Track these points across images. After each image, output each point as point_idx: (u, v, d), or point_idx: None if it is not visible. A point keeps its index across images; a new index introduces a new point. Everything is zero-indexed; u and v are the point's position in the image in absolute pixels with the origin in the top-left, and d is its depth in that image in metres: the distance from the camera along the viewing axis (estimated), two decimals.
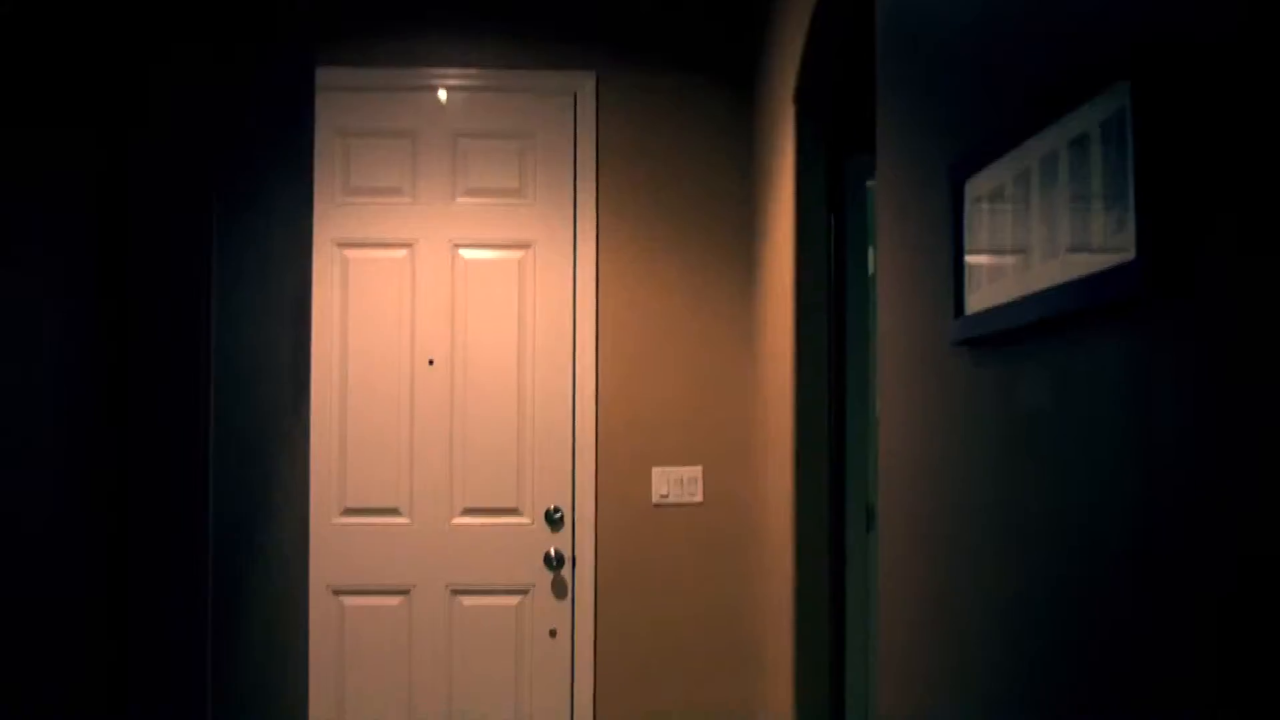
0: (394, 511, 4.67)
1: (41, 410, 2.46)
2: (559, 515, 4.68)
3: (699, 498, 4.71)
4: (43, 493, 2.46)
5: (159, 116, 2.80)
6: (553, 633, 4.68)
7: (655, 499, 4.70)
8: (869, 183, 4.09)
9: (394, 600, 4.68)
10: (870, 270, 4.08)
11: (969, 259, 1.99)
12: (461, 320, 4.70)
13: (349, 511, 4.66)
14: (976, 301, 1.94)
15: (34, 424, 2.42)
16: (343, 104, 4.68)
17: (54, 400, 2.51)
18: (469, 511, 4.69)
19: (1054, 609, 1.68)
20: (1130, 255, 1.40)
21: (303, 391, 3.77)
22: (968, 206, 2.00)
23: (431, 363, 4.68)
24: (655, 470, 4.70)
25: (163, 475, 2.78)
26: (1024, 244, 1.76)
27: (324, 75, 4.68)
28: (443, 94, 4.71)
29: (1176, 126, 1.36)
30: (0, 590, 2.27)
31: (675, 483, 4.70)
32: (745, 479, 4.68)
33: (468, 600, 4.69)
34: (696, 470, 4.70)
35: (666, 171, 4.73)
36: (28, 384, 2.41)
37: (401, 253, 4.71)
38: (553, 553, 4.68)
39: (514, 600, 4.69)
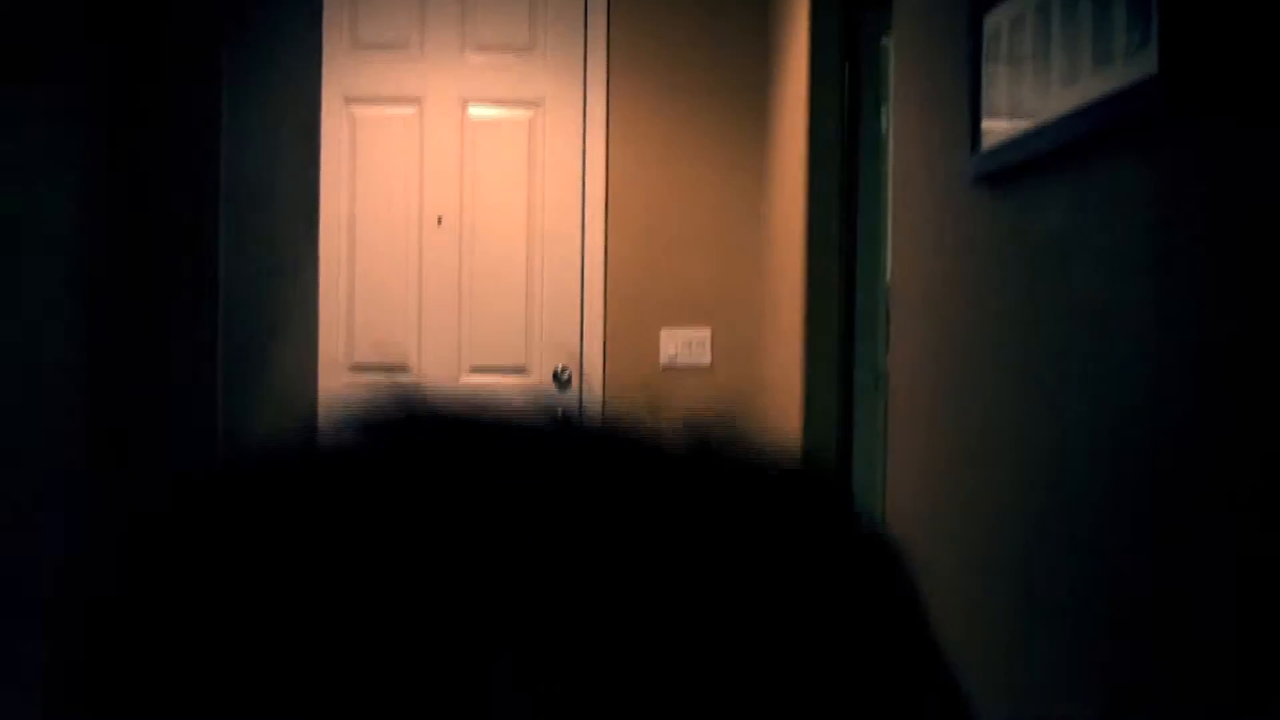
0: (403, 369, 4.68)
1: (53, 246, 2.45)
2: (566, 375, 4.69)
3: (708, 360, 4.71)
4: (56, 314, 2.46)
5: None
6: None
7: (664, 361, 4.70)
8: (884, 39, 4.03)
9: None
10: (883, 129, 4.04)
11: (986, 93, 1.96)
12: (471, 179, 4.67)
13: (357, 369, 4.67)
14: (994, 135, 1.92)
15: (42, 257, 2.42)
16: None
17: (61, 230, 2.50)
18: (477, 369, 4.70)
19: (1068, 446, 1.68)
20: (1152, 70, 1.37)
21: (311, 236, 3.75)
22: (986, 40, 1.96)
23: (440, 221, 4.66)
24: (664, 332, 4.70)
25: (167, 322, 2.77)
26: (1043, 74, 1.73)
27: None
28: None
29: None
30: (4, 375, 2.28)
31: (684, 345, 4.70)
32: (754, 341, 4.68)
33: None
34: (705, 332, 4.70)
35: (679, 26, 4.67)
36: (42, 207, 2.39)
37: (410, 110, 4.66)
38: (559, 413, 4.69)
39: None
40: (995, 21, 1.93)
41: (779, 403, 4.23)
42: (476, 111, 4.67)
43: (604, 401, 4.69)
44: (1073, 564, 1.63)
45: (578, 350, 4.70)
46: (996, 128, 1.91)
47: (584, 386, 4.71)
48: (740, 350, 4.69)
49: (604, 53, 4.65)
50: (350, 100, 4.64)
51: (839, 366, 3.90)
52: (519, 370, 4.70)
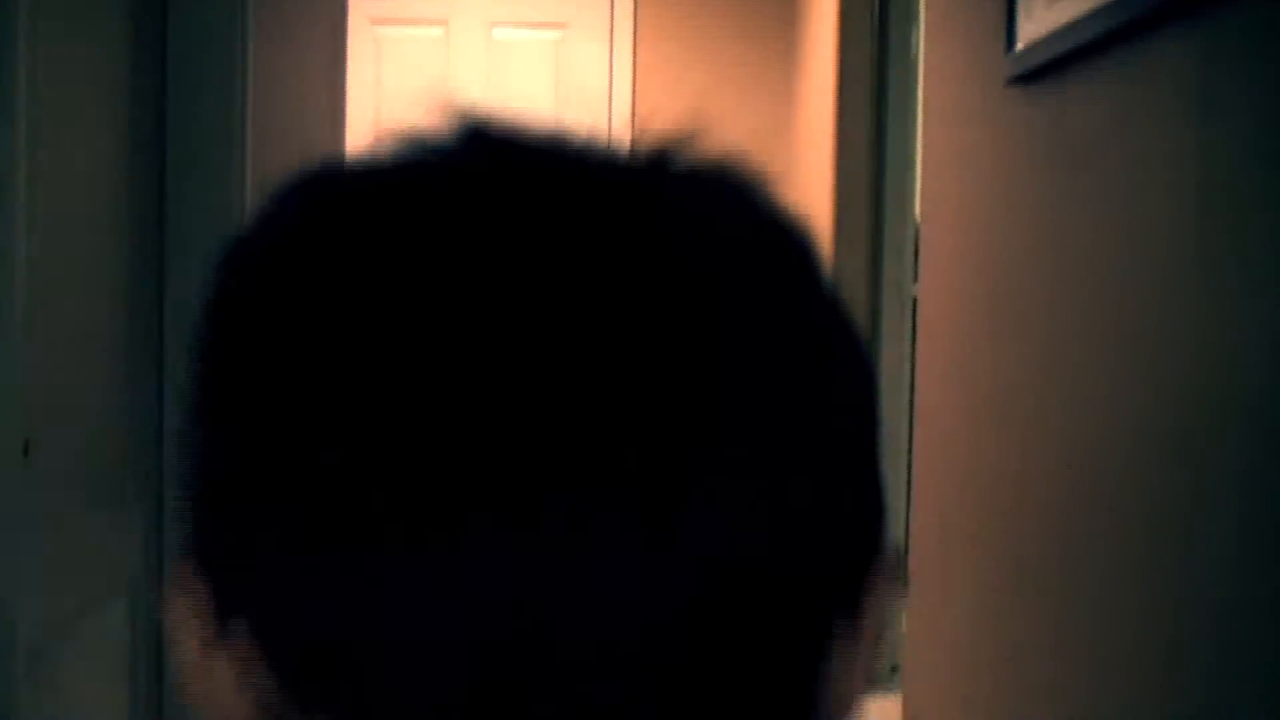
0: None
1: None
2: None
3: None
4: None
5: None
6: None
7: None
8: None
9: None
10: (914, 54, 3.99)
11: None
12: (497, 103, 4.64)
13: None
14: (1029, 33, 1.88)
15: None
16: None
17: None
18: None
19: (1112, 368, 1.65)
20: None
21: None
22: None
23: None
24: None
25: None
26: None
27: None
28: None
29: None
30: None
31: None
32: None
33: None
34: None
35: None
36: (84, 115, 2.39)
37: (436, 31, 4.63)
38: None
39: None
40: None
41: None
42: (501, 34, 4.64)
43: None
44: (1114, 490, 1.61)
45: None
46: (1031, 24, 1.87)
47: None
48: None
49: None
50: (376, 21, 4.60)
51: (867, 291, 3.87)
52: None
